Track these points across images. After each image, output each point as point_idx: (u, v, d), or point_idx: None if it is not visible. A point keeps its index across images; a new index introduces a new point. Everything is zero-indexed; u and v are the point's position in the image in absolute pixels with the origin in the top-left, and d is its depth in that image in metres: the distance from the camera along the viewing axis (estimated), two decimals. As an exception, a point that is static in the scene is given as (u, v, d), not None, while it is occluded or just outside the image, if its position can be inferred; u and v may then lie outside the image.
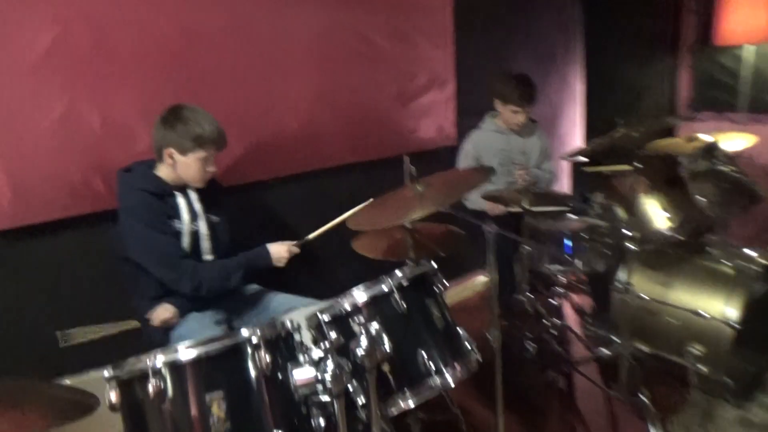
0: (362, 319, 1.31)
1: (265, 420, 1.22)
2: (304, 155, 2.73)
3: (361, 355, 1.23)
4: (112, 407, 1.14)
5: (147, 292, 2.00)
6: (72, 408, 1.12)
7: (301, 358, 1.24)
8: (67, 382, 1.96)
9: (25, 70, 1.94)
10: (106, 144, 2.13)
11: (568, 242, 2.63)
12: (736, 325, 2.04)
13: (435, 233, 2.25)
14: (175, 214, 1.99)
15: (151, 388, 1.11)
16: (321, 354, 1.21)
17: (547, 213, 2.77)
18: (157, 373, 1.12)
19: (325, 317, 1.44)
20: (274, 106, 2.59)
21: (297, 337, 1.36)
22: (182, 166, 1.98)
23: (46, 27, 1.96)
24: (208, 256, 2.06)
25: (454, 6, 3.22)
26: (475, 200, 2.90)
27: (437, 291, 1.59)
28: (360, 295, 1.47)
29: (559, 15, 3.99)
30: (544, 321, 2.72)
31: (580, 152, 2.64)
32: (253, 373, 1.21)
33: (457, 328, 1.60)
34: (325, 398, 1.22)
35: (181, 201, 2.02)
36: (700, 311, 2.10)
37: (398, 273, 1.52)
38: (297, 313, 1.85)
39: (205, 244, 2.06)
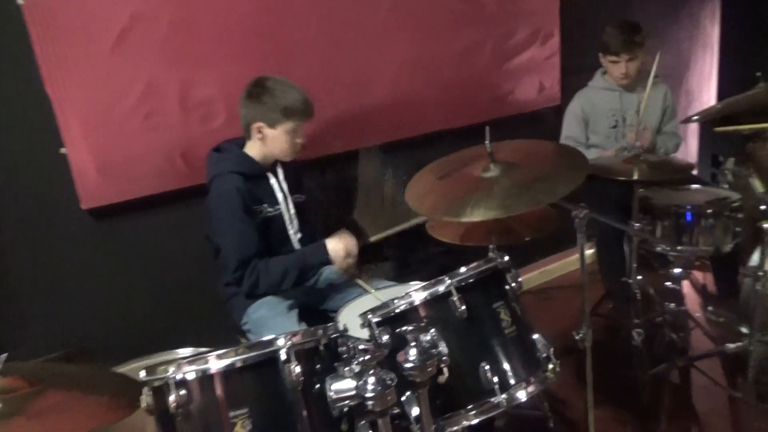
0: (416, 325, 1.16)
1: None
2: (393, 124, 2.63)
3: (409, 368, 1.09)
4: (149, 411, 1.11)
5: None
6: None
7: (342, 368, 1.13)
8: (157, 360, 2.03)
9: (105, 50, 1.96)
10: (187, 121, 2.14)
11: (689, 217, 2.26)
12: None
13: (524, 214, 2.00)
14: (267, 196, 1.98)
15: (173, 399, 1.06)
16: (362, 366, 1.08)
17: (665, 183, 2.42)
18: (180, 384, 1.07)
19: (376, 319, 1.32)
20: (363, 76, 2.51)
21: (341, 342, 1.25)
22: (271, 140, 1.95)
23: (123, 3, 1.96)
24: (296, 236, 2.05)
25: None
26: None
27: (508, 290, 1.39)
28: (418, 295, 1.32)
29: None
30: (657, 306, 2.41)
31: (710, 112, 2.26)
32: (285, 386, 1.13)
33: (533, 335, 1.39)
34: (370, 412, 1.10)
35: (273, 182, 2.01)
36: None
37: (462, 270, 1.34)
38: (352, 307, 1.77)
39: (294, 225, 2.05)
